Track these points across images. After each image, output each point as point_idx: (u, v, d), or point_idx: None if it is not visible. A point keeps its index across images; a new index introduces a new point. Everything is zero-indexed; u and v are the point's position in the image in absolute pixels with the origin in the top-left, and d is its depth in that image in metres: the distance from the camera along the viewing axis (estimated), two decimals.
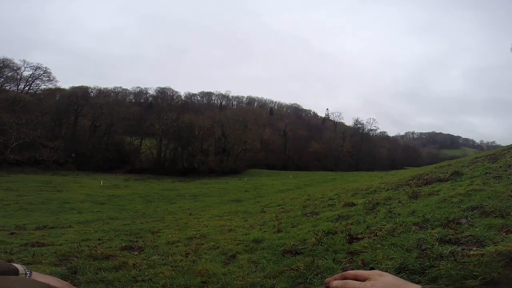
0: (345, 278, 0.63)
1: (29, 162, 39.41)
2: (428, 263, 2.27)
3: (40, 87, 55.53)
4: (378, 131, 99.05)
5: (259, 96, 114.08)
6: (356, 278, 0.61)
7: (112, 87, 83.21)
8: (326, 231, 4.00)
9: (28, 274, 0.73)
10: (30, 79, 53.33)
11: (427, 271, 2.18)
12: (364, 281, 0.59)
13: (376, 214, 4.71)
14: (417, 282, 2.11)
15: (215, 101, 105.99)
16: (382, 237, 3.22)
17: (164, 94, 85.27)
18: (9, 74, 50.49)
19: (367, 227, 3.93)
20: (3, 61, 48.67)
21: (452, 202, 4.10)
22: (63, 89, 61.04)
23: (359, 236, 3.53)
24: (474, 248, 2.36)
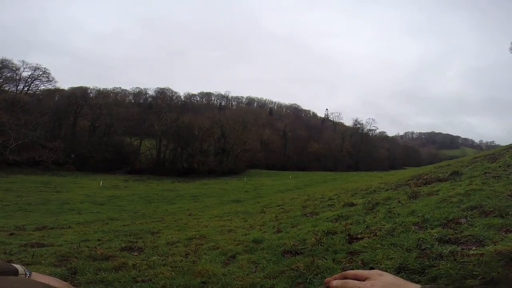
0: (345, 277, 0.63)
1: (29, 163, 39.35)
2: (427, 262, 2.28)
3: (39, 88, 55.46)
4: (378, 131, 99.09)
5: (259, 97, 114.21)
6: (356, 278, 0.61)
7: (111, 87, 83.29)
8: (325, 231, 4.00)
9: (28, 275, 0.73)
10: (29, 79, 53.25)
11: (427, 271, 2.18)
12: (364, 280, 0.59)
13: (376, 214, 4.71)
14: (417, 282, 2.11)
15: (215, 102, 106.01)
16: (382, 237, 3.22)
17: (163, 95, 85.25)
18: (8, 75, 50.40)
19: (367, 227, 3.93)
20: (2, 62, 48.60)
21: (452, 202, 4.10)
22: (62, 90, 61.04)
23: (359, 236, 3.53)
24: (474, 248, 2.36)
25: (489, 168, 7.03)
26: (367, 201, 6.05)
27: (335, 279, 0.64)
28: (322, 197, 10.39)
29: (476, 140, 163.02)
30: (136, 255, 4.19)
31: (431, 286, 0.53)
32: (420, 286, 0.53)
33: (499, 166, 6.85)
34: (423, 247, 2.61)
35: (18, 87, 52.31)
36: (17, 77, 51.54)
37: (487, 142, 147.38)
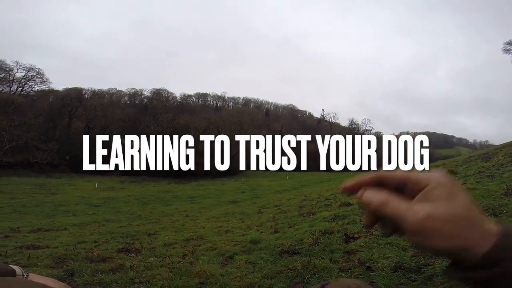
0: (381, 179, 0.38)
1: (23, 165, 38.93)
2: (423, 261, 2.31)
3: (33, 89, 54.94)
4: (373, 131, 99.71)
5: (255, 97, 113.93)
6: (399, 182, 0.37)
7: (106, 88, 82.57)
8: (322, 231, 4.02)
9: (25, 275, 0.74)
10: (23, 80, 52.75)
11: (423, 270, 2.21)
12: (414, 192, 0.35)
13: None
14: (413, 281, 2.14)
15: (211, 102, 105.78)
16: (378, 236, 3.26)
17: (159, 96, 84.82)
18: (1, 75, 49.86)
19: (363, 226, 3.96)
20: None
21: None
22: (57, 91, 60.53)
23: (356, 235, 3.56)
24: None
25: (483, 167, 7.13)
26: None
27: (365, 182, 0.38)
28: (319, 197, 10.43)
29: (470, 140, 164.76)
30: (133, 257, 4.18)
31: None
32: (498, 225, 0.35)
33: (493, 165, 6.95)
34: None
35: (12, 88, 51.79)
36: (11, 78, 51.05)
37: (481, 142, 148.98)
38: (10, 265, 0.73)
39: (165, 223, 9.22)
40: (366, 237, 3.37)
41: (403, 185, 0.36)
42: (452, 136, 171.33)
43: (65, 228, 9.36)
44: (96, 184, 32.03)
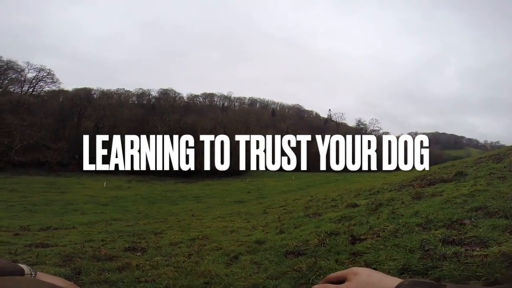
0: (328, 280, 0.66)
1: (33, 164, 39.75)
2: (431, 264, 2.26)
3: (43, 89, 56.12)
4: (381, 131, 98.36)
5: (261, 97, 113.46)
6: (338, 279, 0.64)
7: (115, 88, 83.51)
8: (328, 232, 3.99)
9: (33, 274, 0.74)
10: (34, 81, 53.91)
11: (430, 272, 2.17)
12: (344, 280, 0.61)
13: (379, 215, 4.69)
14: None
15: (217, 102, 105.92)
16: (385, 238, 3.21)
17: (166, 96, 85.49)
18: (13, 76, 51.06)
19: (370, 228, 3.91)
20: (7, 63, 49.20)
21: (456, 202, 4.07)
22: (67, 91, 61.63)
23: (362, 237, 3.51)
24: (478, 249, 2.34)
25: (494, 168, 6.96)
26: (370, 202, 6.03)
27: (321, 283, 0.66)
28: (325, 198, 10.37)
29: (481, 140, 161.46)
30: (139, 256, 4.21)
31: (413, 280, 0.50)
32: (401, 280, 0.52)
33: (504, 167, 6.78)
34: (426, 248, 2.60)
35: (23, 89, 52.95)
36: (22, 79, 52.22)
37: (491, 142, 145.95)
38: (19, 264, 0.74)
39: (172, 223, 9.29)
40: (373, 238, 3.33)
41: (343, 279, 0.61)
42: (462, 137, 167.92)
43: (73, 226, 9.52)
44: (105, 183, 32.47)
